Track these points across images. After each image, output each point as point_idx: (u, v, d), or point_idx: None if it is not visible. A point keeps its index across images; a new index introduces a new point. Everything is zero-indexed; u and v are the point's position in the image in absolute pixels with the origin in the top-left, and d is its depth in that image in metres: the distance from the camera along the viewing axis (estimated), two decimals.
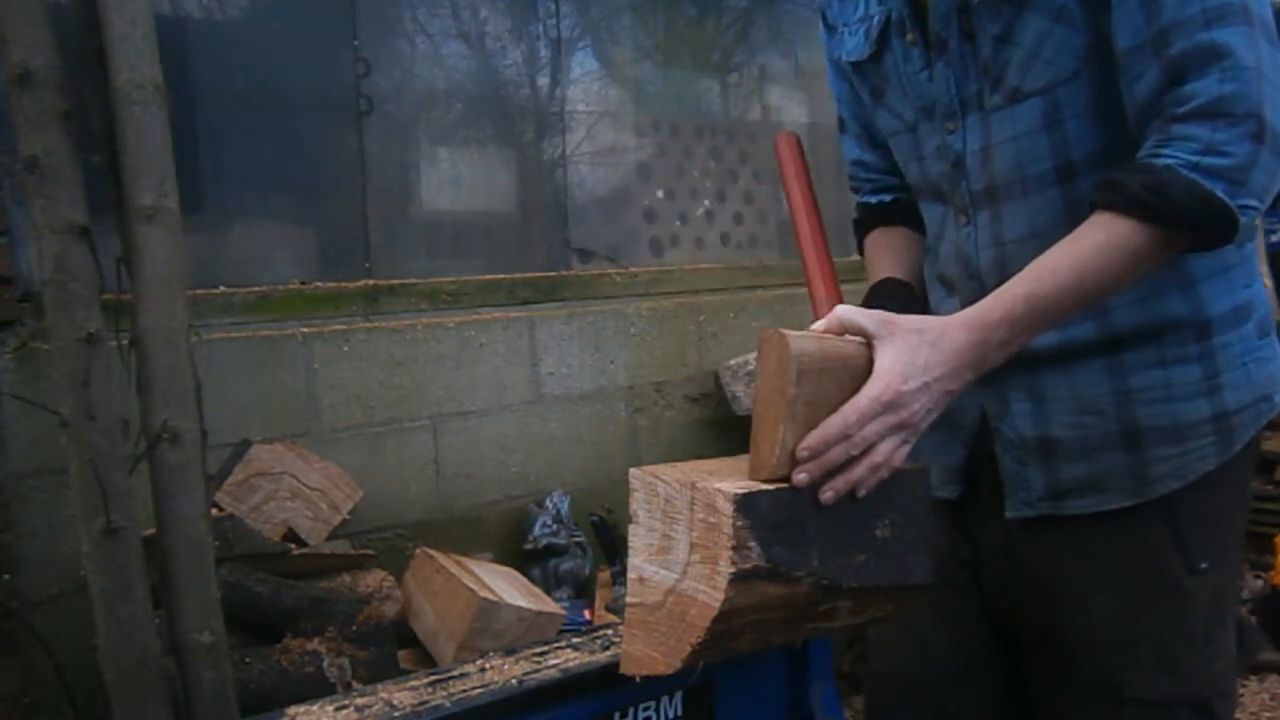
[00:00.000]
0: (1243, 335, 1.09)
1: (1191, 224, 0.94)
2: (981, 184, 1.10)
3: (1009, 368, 1.02)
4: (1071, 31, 0.99)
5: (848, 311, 0.93)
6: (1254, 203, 0.93)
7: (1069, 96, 1.02)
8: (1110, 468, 1.08)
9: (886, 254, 1.33)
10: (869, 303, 1.19)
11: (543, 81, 3.49)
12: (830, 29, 1.30)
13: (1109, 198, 0.95)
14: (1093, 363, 1.08)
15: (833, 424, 0.87)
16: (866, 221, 1.38)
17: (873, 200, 1.37)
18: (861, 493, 0.90)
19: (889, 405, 0.88)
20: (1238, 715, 2.70)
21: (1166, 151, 0.93)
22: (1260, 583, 3.40)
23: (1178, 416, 1.06)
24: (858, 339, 0.92)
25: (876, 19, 1.17)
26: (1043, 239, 1.00)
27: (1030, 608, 1.16)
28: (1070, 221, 0.99)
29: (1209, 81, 0.91)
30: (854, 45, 1.22)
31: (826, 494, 0.88)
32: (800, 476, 0.87)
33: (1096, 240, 0.94)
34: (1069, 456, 1.09)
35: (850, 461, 0.88)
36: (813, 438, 0.87)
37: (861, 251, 1.40)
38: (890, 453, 0.90)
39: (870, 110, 1.26)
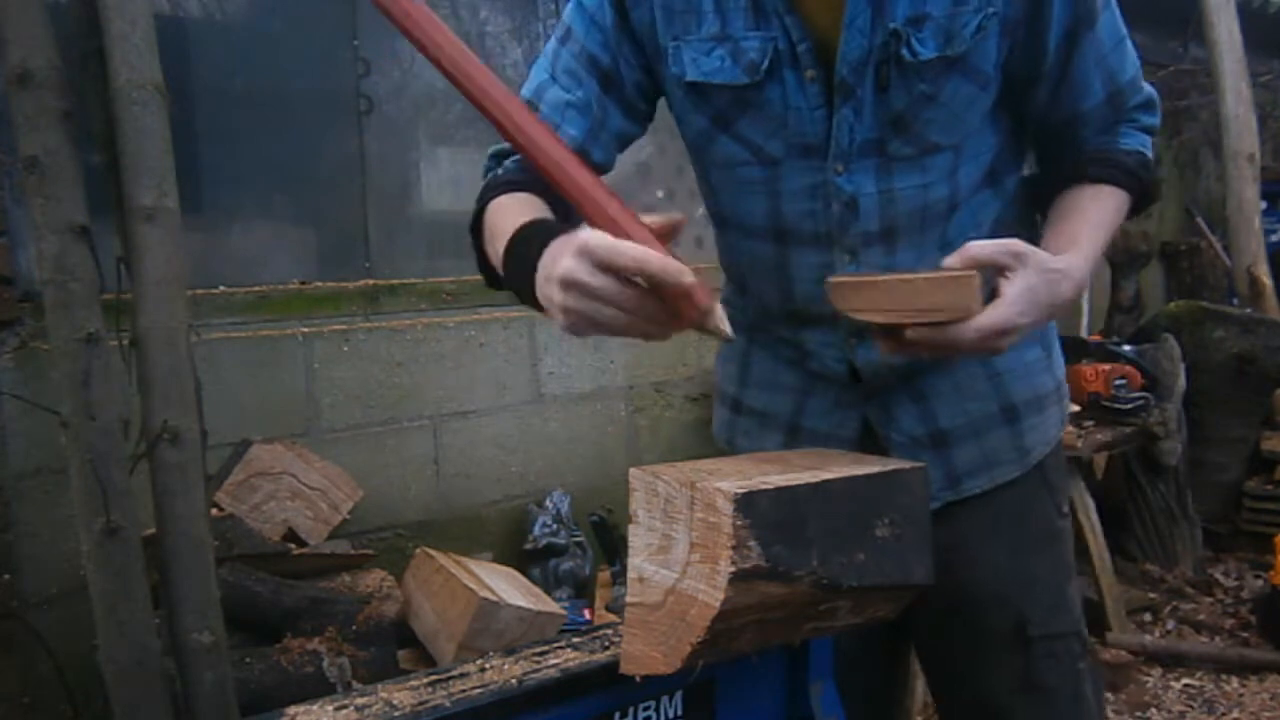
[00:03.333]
0: None
1: (1150, 194, 1.18)
2: (878, 225, 1.13)
3: (891, 378, 1.20)
4: (987, 95, 1.10)
5: (978, 246, 0.98)
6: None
7: (970, 145, 1.13)
8: (998, 443, 1.23)
9: (526, 206, 1.04)
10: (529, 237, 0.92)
11: None
12: (625, 14, 1.11)
13: (1111, 173, 1.15)
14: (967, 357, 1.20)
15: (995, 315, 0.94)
16: (496, 187, 1.10)
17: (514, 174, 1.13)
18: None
19: (1003, 332, 0.96)
20: (1237, 715, 2.71)
21: (1129, 142, 1.17)
22: (1260, 583, 3.40)
23: (1036, 389, 1.25)
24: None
25: (756, 45, 1.07)
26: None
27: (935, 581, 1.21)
28: (944, 249, 1.04)
29: (1148, 116, 1.20)
30: (713, 68, 1.09)
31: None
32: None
33: (1110, 205, 1.14)
34: (960, 442, 1.22)
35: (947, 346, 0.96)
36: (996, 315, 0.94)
37: (478, 230, 1.10)
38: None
39: (705, 136, 1.15)
